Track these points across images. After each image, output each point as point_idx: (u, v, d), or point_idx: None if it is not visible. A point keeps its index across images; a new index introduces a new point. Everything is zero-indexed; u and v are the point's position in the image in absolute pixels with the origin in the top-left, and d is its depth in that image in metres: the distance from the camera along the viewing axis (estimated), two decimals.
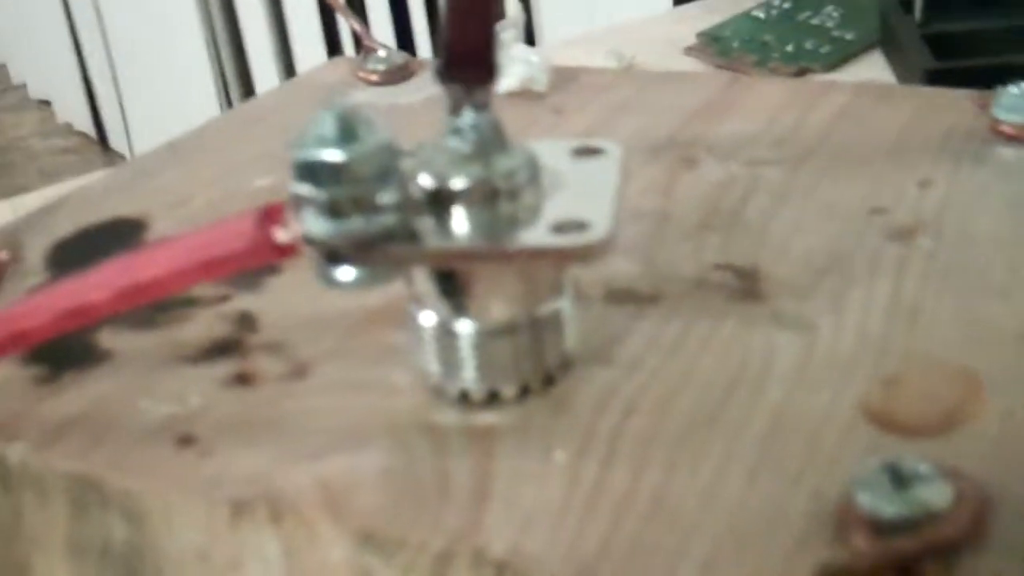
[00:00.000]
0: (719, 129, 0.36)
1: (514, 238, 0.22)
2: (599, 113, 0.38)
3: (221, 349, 0.27)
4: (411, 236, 0.22)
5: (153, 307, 0.29)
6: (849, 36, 0.54)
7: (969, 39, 0.47)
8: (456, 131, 0.23)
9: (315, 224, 0.21)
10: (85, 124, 2.49)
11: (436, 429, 0.23)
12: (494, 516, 0.21)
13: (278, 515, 0.22)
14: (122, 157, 2.35)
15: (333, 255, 0.22)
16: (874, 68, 0.51)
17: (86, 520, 0.24)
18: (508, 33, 0.42)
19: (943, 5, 0.50)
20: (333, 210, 0.21)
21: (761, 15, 0.57)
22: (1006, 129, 0.33)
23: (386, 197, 0.22)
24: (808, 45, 0.53)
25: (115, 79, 2.26)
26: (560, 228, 0.22)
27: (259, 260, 0.22)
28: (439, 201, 0.22)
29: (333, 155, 0.21)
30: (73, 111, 2.54)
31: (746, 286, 0.27)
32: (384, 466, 0.23)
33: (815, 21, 0.56)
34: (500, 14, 0.29)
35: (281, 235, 0.22)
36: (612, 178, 0.24)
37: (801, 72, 0.51)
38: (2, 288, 0.32)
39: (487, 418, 0.24)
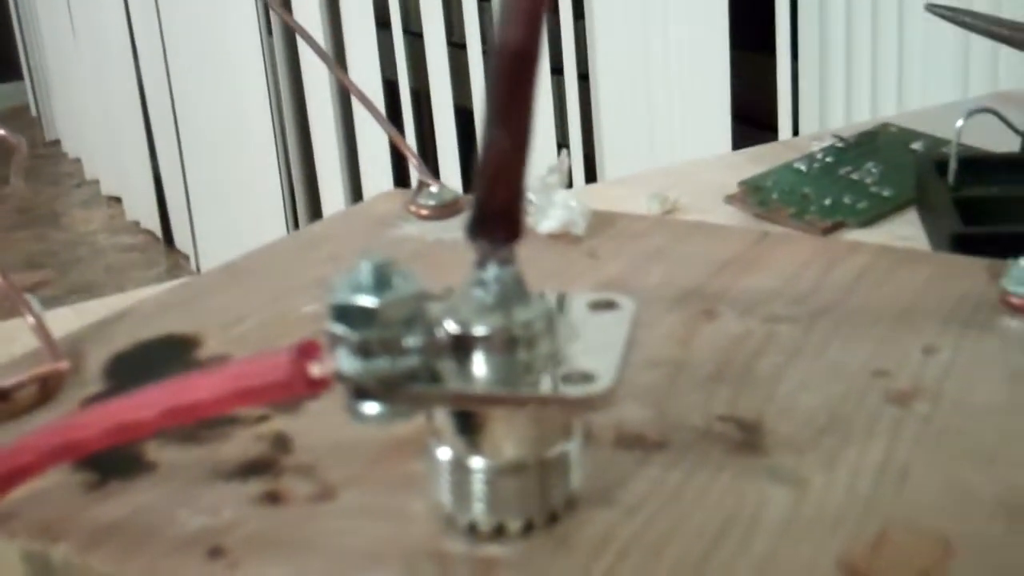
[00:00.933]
0: (743, 283, 0.38)
1: (527, 386, 0.24)
2: (632, 259, 0.40)
3: (256, 468, 0.29)
4: (433, 377, 0.24)
5: (197, 423, 0.31)
6: (887, 193, 0.55)
7: (1000, 204, 0.48)
8: (481, 283, 0.25)
9: (346, 362, 0.24)
10: (152, 223, 2.56)
11: (445, 556, 0.25)
12: None
13: None
14: (186, 257, 2.41)
15: (361, 391, 0.24)
16: (907, 226, 0.53)
17: None
18: (552, 177, 0.45)
19: (976, 171, 0.52)
20: (363, 350, 0.23)
21: (803, 167, 0.59)
22: (1014, 301, 0.34)
23: (412, 341, 0.24)
24: (846, 200, 0.55)
25: (185, 181, 2.33)
26: (569, 378, 0.24)
27: (293, 392, 0.24)
28: (461, 346, 0.24)
29: (367, 301, 0.23)
30: (142, 210, 2.61)
31: (748, 439, 0.29)
32: None
33: (855, 176, 0.58)
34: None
35: (315, 370, 0.24)
36: (623, 332, 0.26)
37: (836, 226, 0.53)
38: (61, 396, 0.34)
39: (492, 550, 0.25)
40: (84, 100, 2.72)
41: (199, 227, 2.31)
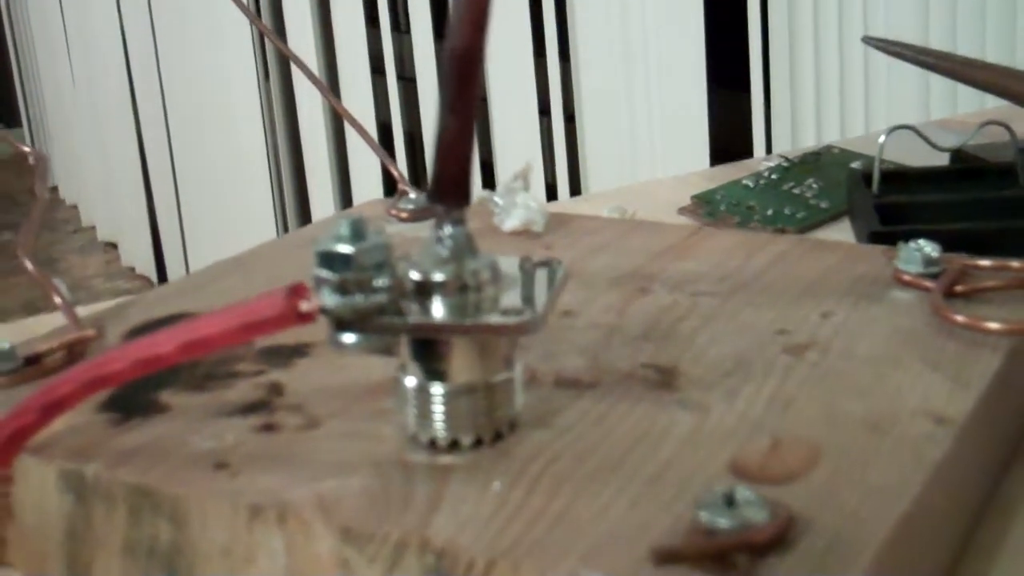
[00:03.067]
0: (675, 267, 0.44)
1: (473, 318, 0.30)
2: (581, 251, 0.46)
3: (254, 407, 0.35)
4: (399, 312, 0.30)
5: (204, 376, 0.37)
6: (824, 204, 0.61)
7: (914, 209, 0.54)
8: (438, 239, 0.31)
9: (329, 299, 0.29)
10: (148, 268, 2.61)
11: (408, 464, 0.31)
12: (440, 520, 0.28)
13: (283, 518, 0.29)
14: None
15: (340, 323, 0.30)
16: (839, 233, 0.59)
17: (140, 524, 0.32)
18: (516, 183, 0.51)
19: (899, 182, 0.58)
20: (342, 289, 0.29)
21: (750, 184, 0.65)
22: (904, 277, 0.40)
23: (381, 281, 0.29)
24: (787, 210, 0.61)
25: (181, 227, 2.39)
26: (507, 312, 0.30)
27: (286, 325, 0.30)
28: (422, 290, 0.30)
29: (345, 248, 0.29)
30: (138, 255, 2.66)
31: (664, 379, 0.35)
32: (365, 487, 0.30)
33: (796, 191, 0.64)
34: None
35: (304, 306, 0.30)
36: (554, 282, 0.32)
37: (776, 232, 0.59)
38: (88, 358, 0.40)
39: (448, 459, 0.31)
40: (82, 147, 2.78)
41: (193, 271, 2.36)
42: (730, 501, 0.26)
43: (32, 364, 0.39)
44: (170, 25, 2.20)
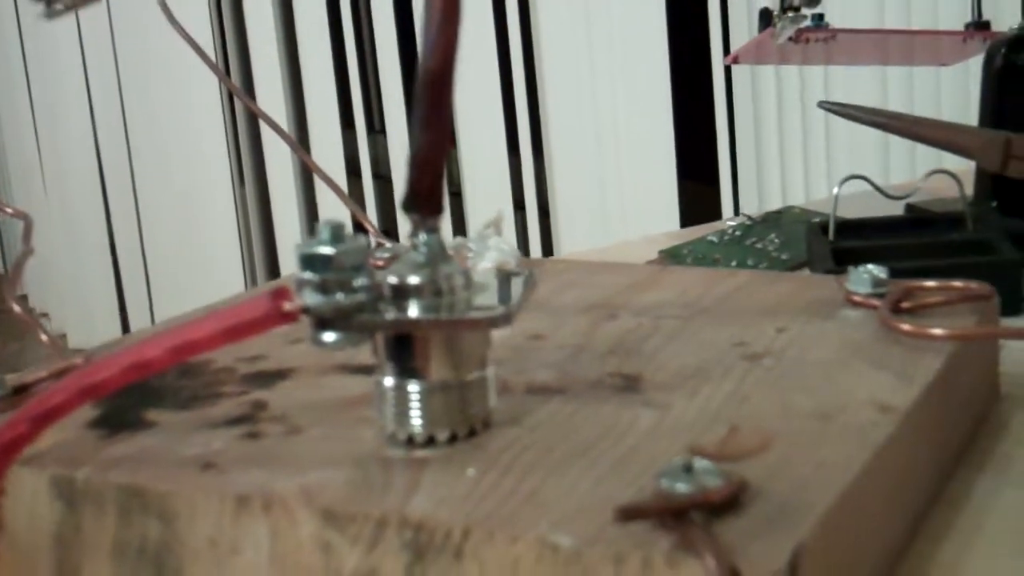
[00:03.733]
0: (640, 298, 0.46)
1: (445, 314, 0.32)
2: (551, 287, 0.48)
3: (239, 420, 0.37)
4: (376, 311, 0.32)
5: (190, 397, 0.39)
6: (784, 256, 0.64)
7: (868, 252, 0.57)
8: (414, 246, 0.33)
9: (310, 298, 0.31)
10: None
11: (387, 459, 0.33)
12: (418, 500, 0.30)
13: (269, 505, 0.31)
14: None
15: (321, 322, 0.32)
16: None
17: (129, 524, 0.33)
18: (488, 230, 0.53)
19: (853, 230, 0.60)
20: (323, 288, 0.31)
21: (715, 240, 0.68)
22: (854, 297, 0.43)
23: (360, 281, 0.31)
24: (749, 262, 0.64)
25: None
26: (478, 309, 0.32)
27: (271, 325, 0.32)
28: (399, 293, 0.32)
29: (326, 250, 0.31)
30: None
31: (629, 384, 0.37)
32: (346, 477, 0.32)
33: (759, 245, 0.66)
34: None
35: (287, 306, 0.32)
36: (521, 287, 0.34)
37: None
38: None
39: (424, 453, 0.33)
40: (52, 254, 2.78)
41: None
42: (688, 469, 0.28)
43: (21, 393, 0.41)
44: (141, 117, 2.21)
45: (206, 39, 2.01)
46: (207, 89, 2.03)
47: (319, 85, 1.94)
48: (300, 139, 1.99)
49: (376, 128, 2.05)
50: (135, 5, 2.02)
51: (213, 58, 1.87)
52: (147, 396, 0.39)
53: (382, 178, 2.03)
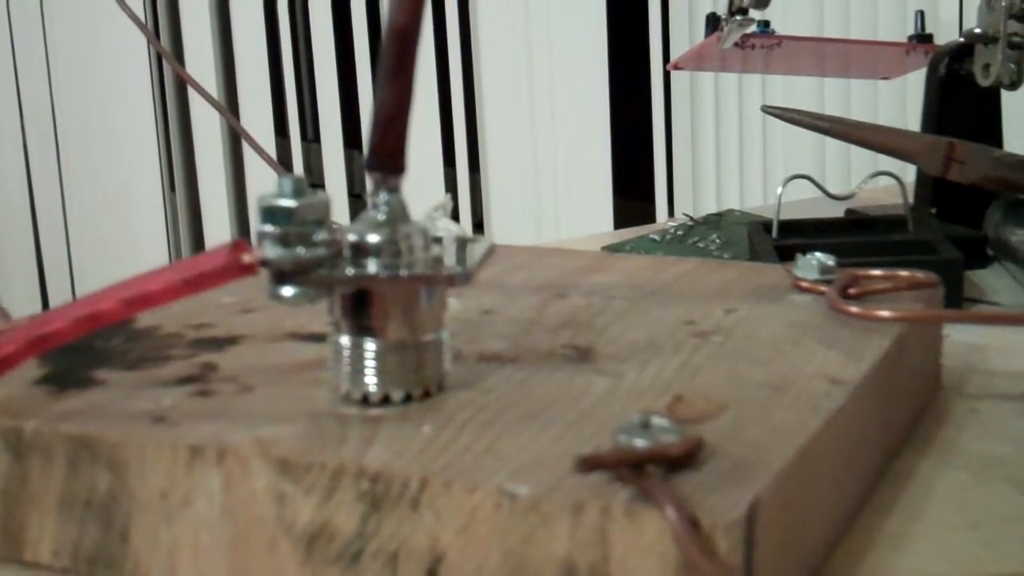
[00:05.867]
0: (589, 279, 0.46)
1: (404, 271, 0.32)
2: (503, 269, 0.48)
3: (189, 379, 0.36)
4: (336, 266, 0.32)
5: (137, 359, 0.38)
6: (726, 256, 0.65)
7: (809, 250, 0.58)
8: (374, 205, 0.33)
9: (270, 251, 0.31)
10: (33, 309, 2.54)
11: (342, 416, 0.33)
12: (375, 451, 0.30)
13: (222, 455, 0.31)
14: None
15: (280, 275, 0.32)
16: None
17: (77, 476, 0.33)
18: (436, 212, 0.53)
19: (796, 229, 0.61)
20: (283, 241, 0.31)
21: (657, 238, 0.68)
22: (801, 284, 0.43)
23: (320, 236, 0.31)
24: None
25: (71, 270, 2.32)
26: (437, 268, 0.32)
27: (230, 277, 0.32)
28: (359, 251, 0.32)
29: (287, 202, 0.31)
30: (22, 297, 2.58)
31: (581, 355, 0.37)
32: (302, 431, 0.32)
33: (700, 244, 0.67)
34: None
35: (246, 258, 0.31)
36: (480, 251, 0.34)
37: None
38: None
39: (379, 411, 0.33)
40: None
41: None
42: (646, 426, 0.28)
43: None
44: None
45: (144, 81, 1.98)
46: (143, 111, 2.00)
47: (254, 94, 1.93)
48: (233, 148, 1.98)
49: (310, 137, 2.04)
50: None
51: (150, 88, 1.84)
52: (93, 357, 0.39)
53: (310, 141, 2.02)
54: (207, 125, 1.92)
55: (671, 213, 1.44)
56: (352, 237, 0.32)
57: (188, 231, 2.12)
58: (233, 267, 0.32)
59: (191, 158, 2.05)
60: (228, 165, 1.99)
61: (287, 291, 0.32)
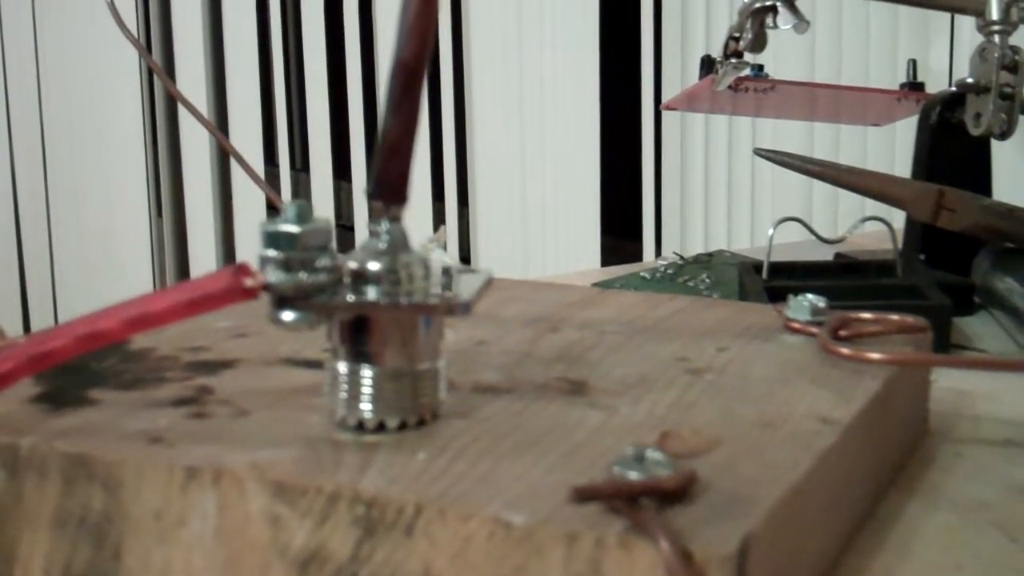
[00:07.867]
0: (582, 314, 0.47)
1: (404, 299, 0.32)
2: (496, 301, 0.49)
3: (185, 401, 0.37)
4: (336, 293, 0.32)
5: (133, 380, 0.39)
6: (715, 295, 0.65)
7: (798, 292, 0.58)
8: (375, 233, 0.33)
9: (273, 275, 0.32)
10: (14, 330, 2.52)
11: (338, 441, 0.33)
12: (370, 476, 0.30)
13: (218, 477, 0.31)
14: None
15: (282, 300, 0.32)
16: None
17: (72, 494, 0.33)
18: (431, 244, 0.54)
19: (785, 272, 0.62)
20: (286, 266, 0.32)
21: (647, 276, 0.69)
22: (792, 324, 0.44)
23: (322, 262, 0.32)
24: None
25: (54, 291, 2.30)
26: (436, 297, 0.32)
27: (232, 300, 0.32)
28: (359, 278, 0.33)
29: (291, 228, 0.31)
30: (2, 316, 2.57)
31: (576, 389, 0.37)
32: (298, 455, 0.32)
33: (691, 283, 0.68)
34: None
35: (248, 282, 0.32)
36: (479, 282, 0.34)
37: None
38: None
39: (374, 438, 0.33)
40: None
41: None
42: (640, 459, 0.29)
43: None
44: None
45: (135, 106, 1.98)
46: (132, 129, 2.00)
47: (244, 121, 1.93)
48: (221, 174, 1.98)
49: (299, 167, 2.05)
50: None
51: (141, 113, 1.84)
52: (89, 376, 0.39)
53: (298, 170, 2.02)
54: (196, 151, 1.92)
55: (658, 252, 1.45)
56: (353, 264, 0.33)
57: (173, 257, 2.12)
58: (236, 290, 0.32)
59: (179, 183, 2.05)
60: (216, 191, 1.99)
61: (288, 316, 0.32)
